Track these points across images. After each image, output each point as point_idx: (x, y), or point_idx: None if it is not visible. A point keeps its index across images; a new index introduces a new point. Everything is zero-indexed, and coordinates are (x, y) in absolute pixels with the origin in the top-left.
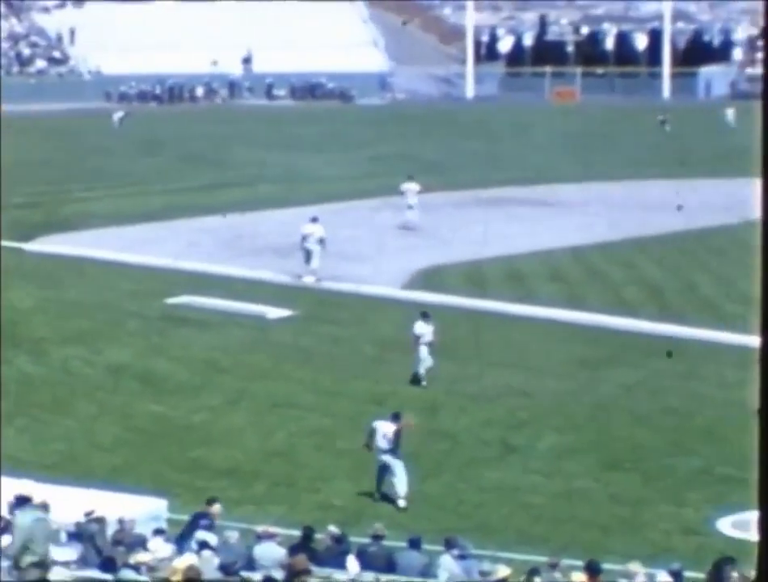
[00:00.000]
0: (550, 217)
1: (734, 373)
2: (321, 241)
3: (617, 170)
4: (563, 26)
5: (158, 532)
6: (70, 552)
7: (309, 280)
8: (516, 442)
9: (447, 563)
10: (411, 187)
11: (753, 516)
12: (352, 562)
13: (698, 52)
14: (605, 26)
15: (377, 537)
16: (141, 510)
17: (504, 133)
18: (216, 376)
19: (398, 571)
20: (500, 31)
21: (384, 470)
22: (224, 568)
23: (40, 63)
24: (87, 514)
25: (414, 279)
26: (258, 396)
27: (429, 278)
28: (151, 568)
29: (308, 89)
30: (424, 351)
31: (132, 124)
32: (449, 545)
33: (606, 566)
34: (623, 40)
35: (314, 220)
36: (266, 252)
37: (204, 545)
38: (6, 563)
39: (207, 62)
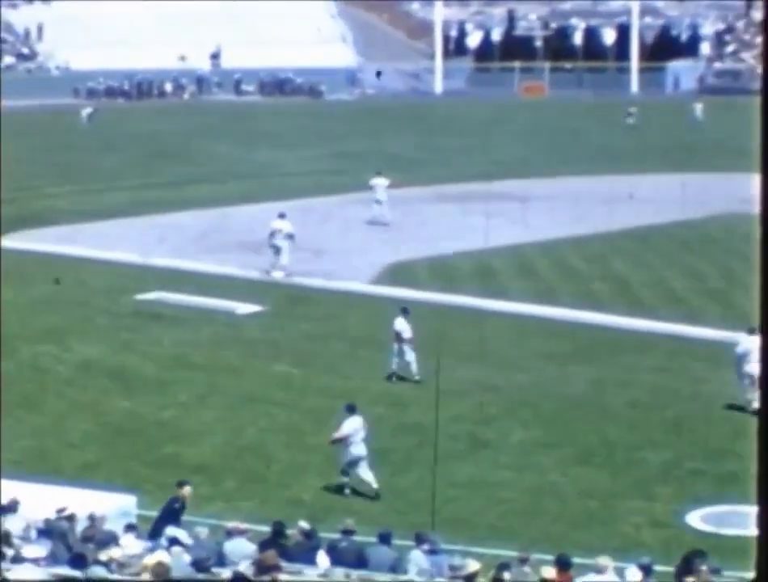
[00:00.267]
0: (519, 212)
1: (703, 367)
2: (289, 236)
3: (585, 164)
4: (532, 21)
5: (130, 528)
6: (40, 549)
7: (278, 275)
8: (485, 437)
9: (417, 558)
10: (380, 182)
11: (722, 509)
12: (322, 557)
13: (666, 47)
14: (574, 21)
15: (347, 533)
16: (110, 506)
17: (473, 128)
18: (186, 372)
19: (368, 567)
20: (469, 27)
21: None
22: (195, 564)
23: (8, 59)
24: (59, 511)
25: (383, 274)
26: (228, 392)
27: (398, 273)
28: (121, 564)
29: (277, 84)
30: (404, 347)
31: (100, 120)
32: (419, 540)
33: (576, 560)
34: (591, 35)
35: (282, 216)
36: (235, 248)
37: (174, 541)
38: None
39: (175, 58)
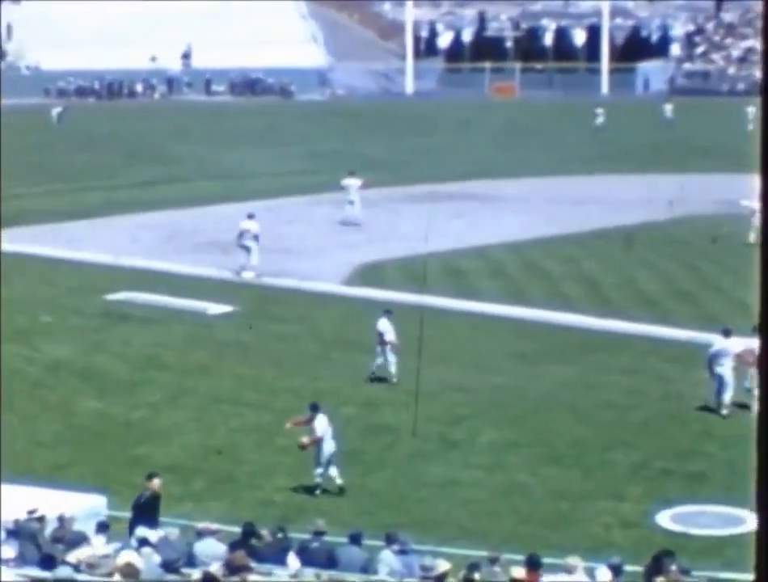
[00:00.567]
0: (489, 213)
1: (672, 368)
2: (256, 237)
3: (556, 165)
4: (503, 22)
5: (102, 528)
6: (8, 550)
7: (249, 276)
8: (456, 437)
9: (387, 559)
10: (353, 182)
11: (691, 509)
12: (292, 558)
13: (637, 48)
14: (544, 22)
15: (318, 533)
16: (80, 507)
17: (444, 129)
18: (156, 372)
19: (338, 567)
20: (440, 27)
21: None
22: (164, 565)
23: None
24: (30, 512)
25: (354, 274)
26: (198, 392)
27: (370, 274)
28: (91, 565)
29: (247, 84)
30: (387, 348)
31: (70, 120)
32: (390, 540)
33: (546, 560)
34: (562, 35)
35: (251, 216)
36: (206, 248)
37: (144, 542)
38: None
39: (146, 58)
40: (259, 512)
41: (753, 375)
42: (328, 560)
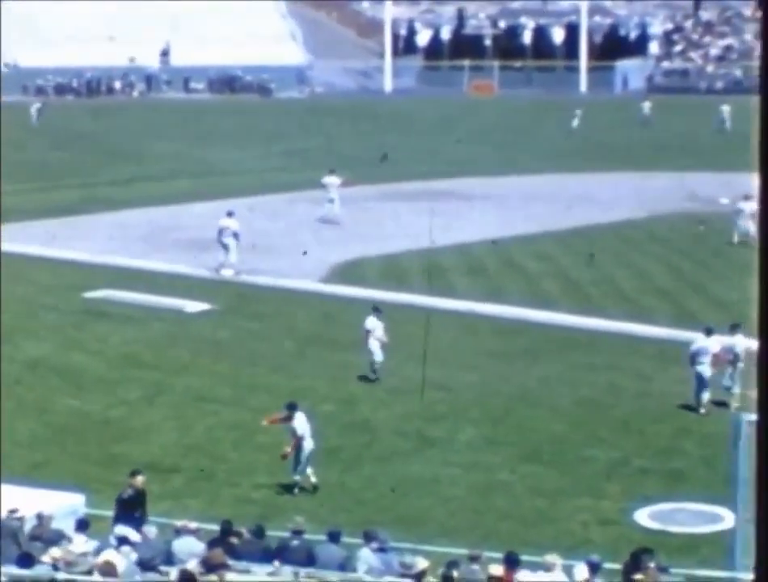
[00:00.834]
0: (468, 211)
1: (651, 366)
2: (234, 235)
3: (534, 163)
4: (481, 19)
5: (81, 526)
6: None
7: (227, 273)
8: (434, 435)
9: (366, 556)
10: (333, 180)
11: (669, 507)
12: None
13: (615, 46)
14: (523, 20)
15: (296, 532)
16: (59, 505)
17: (423, 127)
18: (134, 370)
19: (317, 565)
20: (418, 25)
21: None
22: (141, 564)
23: None
24: (11, 512)
25: (333, 272)
26: (176, 390)
27: (348, 271)
28: (69, 563)
29: (226, 82)
30: (375, 345)
31: (49, 118)
32: (368, 538)
33: (525, 558)
34: (541, 33)
35: (230, 214)
36: (184, 246)
37: (123, 540)
38: None
39: (125, 55)
40: (238, 510)
41: (731, 373)
42: (306, 558)
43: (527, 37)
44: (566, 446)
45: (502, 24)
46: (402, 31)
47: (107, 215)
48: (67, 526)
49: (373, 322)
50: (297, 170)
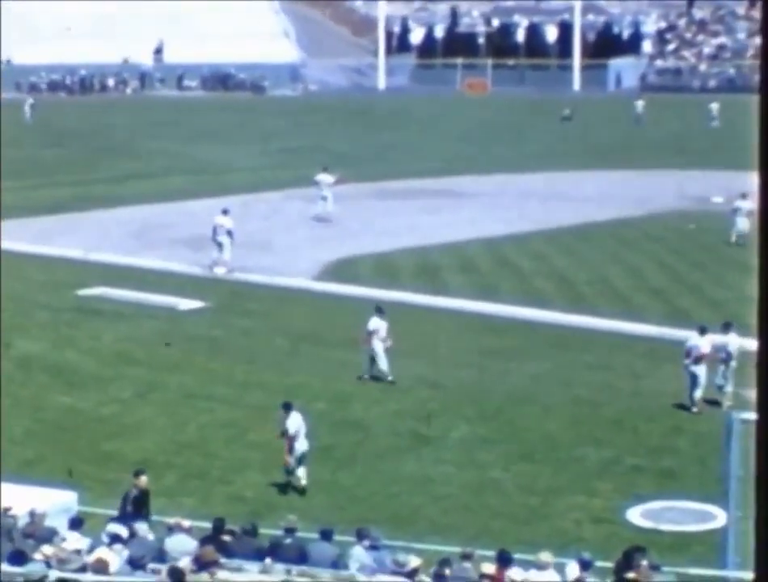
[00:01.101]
0: (461, 209)
1: (643, 364)
2: (229, 233)
3: (527, 161)
4: (475, 18)
5: (75, 524)
6: None
7: (220, 271)
8: (427, 433)
9: (358, 554)
10: (326, 178)
11: (661, 505)
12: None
13: (608, 44)
14: (516, 18)
15: (289, 530)
16: (51, 503)
17: (416, 125)
18: (127, 367)
19: (309, 563)
20: (412, 23)
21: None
22: (131, 562)
23: None
24: (6, 510)
25: (326, 270)
26: (169, 388)
27: (341, 269)
28: (62, 561)
29: (219, 80)
30: (378, 346)
31: (43, 115)
32: (361, 536)
33: (517, 556)
34: (534, 32)
35: (225, 212)
36: (177, 243)
37: (116, 538)
38: None
39: (118, 53)
40: (231, 508)
41: (723, 372)
42: (299, 556)
43: (520, 35)
44: (558, 444)
45: (495, 22)
46: (396, 29)
47: (101, 212)
48: (60, 524)
49: (376, 323)
50: (291, 168)
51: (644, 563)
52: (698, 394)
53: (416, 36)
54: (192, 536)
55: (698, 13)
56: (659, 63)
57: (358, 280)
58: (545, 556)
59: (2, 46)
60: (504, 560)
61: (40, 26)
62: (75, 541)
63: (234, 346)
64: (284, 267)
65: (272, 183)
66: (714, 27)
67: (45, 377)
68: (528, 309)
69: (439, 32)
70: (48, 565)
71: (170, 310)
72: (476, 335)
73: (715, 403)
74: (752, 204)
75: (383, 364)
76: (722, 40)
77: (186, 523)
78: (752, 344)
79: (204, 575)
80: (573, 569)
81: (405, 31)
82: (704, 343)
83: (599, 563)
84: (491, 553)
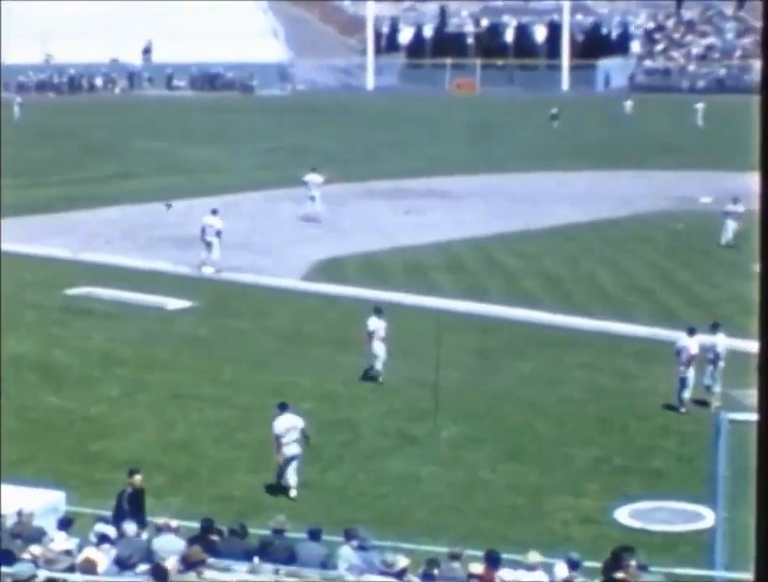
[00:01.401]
0: (449, 208)
1: (631, 364)
2: (218, 233)
3: (516, 161)
4: (464, 18)
5: (64, 524)
6: None
7: (208, 271)
8: (416, 433)
9: (347, 554)
10: (314, 178)
11: (649, 505)
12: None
13: (597, 45)
14: (505, 18)
15: (277, 532)
16: (39, 503)
17: (405, 125)
18: (115, 367)
19: (297, 563)
20: (401, 23)
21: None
22: (120, 562)
23: None
24: None
25: (314, 270)
26: (157, 388)
27: (329, 269)
28: (49, 561)
29: (208, 79)
30: (378, 346)
31: (31, 115)
32: (349, 536)
33: (505, 556)
34: (523, 32)
35: (214, 212)
36: (166, 243)
37: (103, 538)
38: None
39: (106, 53)
40: (219, 508)
41: (711, 372)
42: (287, 556)
43: (509, 35)
44: (547, 444)
45: (484, 22)
46: (385, 29)
47: (90, 212)
48: (48, 524)
49: (375, 323)
50: (279, 168)
51: (633, 562)
52: (687, 394)
53: (405, 36)
54: (180, 536)
55: (687, 13)
56: (647, 63)
57: (346, 280)
58: (533, 556)
59: (1, 46)
60: (492, 560)
61: (29, 26)
62: (62, 541)
63: (223, 346)
64: (272, 267)
65: (261, 182)
66: (702, 28)
67: (33, 376)
68: (516, 309)
69: (428, 32)
70: (36, 565)
71: (158, 310)
72: (464, 335)
73: (703, 404)
74: (742, 208)
75: (379, 364)
76: (710, 40)
77: (174, 523)
78: (740, 344)
79: (192, 575)
80: (561, 569)
81: (394, 30)
82: (693, 344)
83: (587, 563)
84: (480, 553)
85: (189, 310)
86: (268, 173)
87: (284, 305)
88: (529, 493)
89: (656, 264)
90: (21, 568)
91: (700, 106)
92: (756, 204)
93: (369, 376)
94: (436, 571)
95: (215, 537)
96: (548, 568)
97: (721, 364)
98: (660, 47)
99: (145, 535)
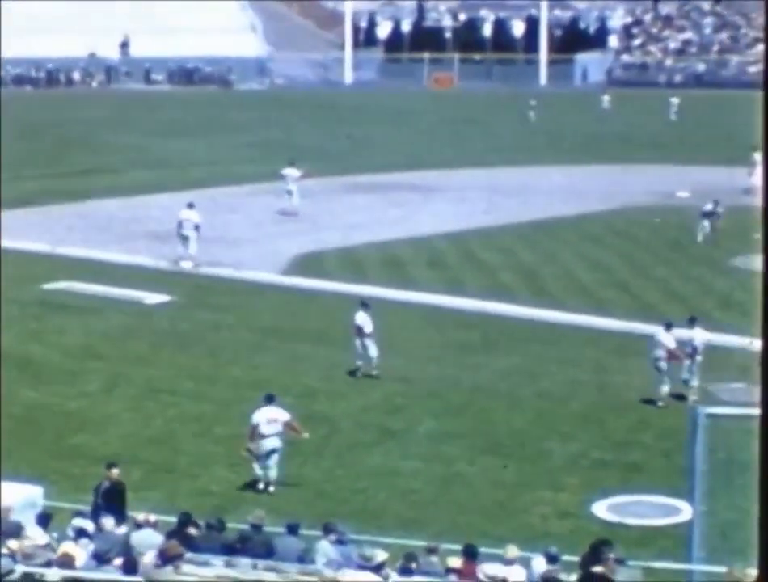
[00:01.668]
0: (427, 203)
1: (609, 358)
2: (196, 227)
3: (493, 155)
4: (442, 12)
5: (43, 520)
6: None
7: (187, 265)
8: (394, 427)
9: (325, 548)
10: (292, 172)
11: (627, 499)
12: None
13: (575, 39)
14: (483, 12)
15: (255, 527)
16: (17, 497)
17: (383, 119)
18: (93, 362)
19: (276, 557)
20: (379, 17)
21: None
22: (97, 557)
23: None
24: None
25: (293, 264)
26: (136, 382)
27: (308, 263)
28: (27, 555)
29: (186, 74)
30: (366, 341)
31: (8, 109)
32: (327, 530)
33: (483, 550)
34: (501, 26)
35: (191, 206)
36: (144, 237)
37: (81, 532)
38: None
39: (84, 47)
40: (197, 502)
41: (689, 367)
42: (265, 550)
43: (487, 30)
44: (525, 439)
45: (462, 17)
46: (363, 24)
47: (67, 206)
48: (26, 518)
49: (362, 318)
50: (257, 162)
51: (612, 555)
52: (665, 388)
53: (383, 31)
54: (159, 530)
55: (664, 8)
56: (625, 58)
57: (325, 275)
58: (511, 550)
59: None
60: (470, 554)
61: (5, 19)
62: (40, 535)
63: (201, 340)
64: (251, 261)
65: (239, 177)
66: (680, 23)
67: (11, 371)
68: (495, 303)
69: (406, 27)
70: (14, 560)
71: (136, 304)
72: (443, 330)
73: (680, 398)
74: (722, 209)
75: (366, 359)
76: (688, 35)
77: (152, 517)
78: (717, 339)
79: (169, 570)
80: (539, 563)
81: (372, 25)
82: (670, 339)
83: (565, 557)
84: (458, 547)
85: (168, 305)
86: (247, 167)
87: (263, 300)
88: (507, 487)
89: (634, 259)
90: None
91: (675, 100)
92: (733, 200)
93: (355, 371)
94: (414, 565)
95: (193, 531)
96: (526, 562)
97: (699, 358)
98: (637, 42)
99: (123, 529)
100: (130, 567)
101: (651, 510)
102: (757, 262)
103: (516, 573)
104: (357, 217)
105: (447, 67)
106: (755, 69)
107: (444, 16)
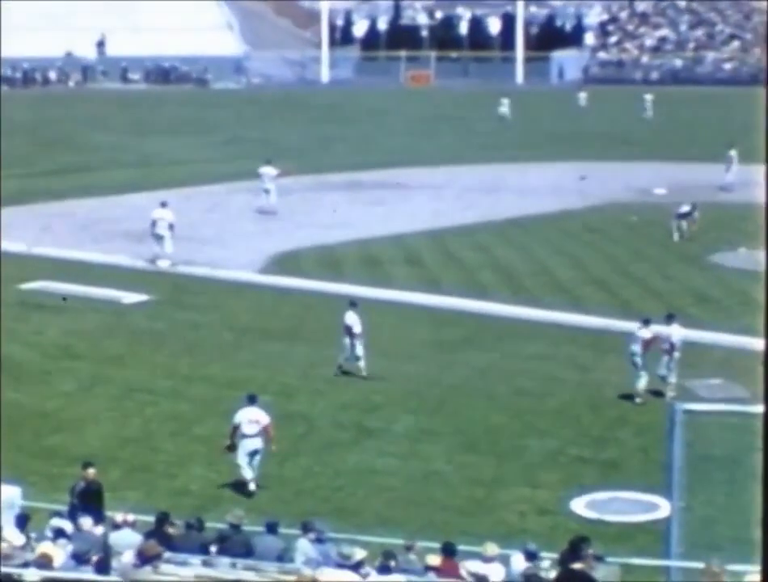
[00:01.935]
0: (405, 201)
1: (586, 355)
2: (171, 226)
3: (471, 153)
4: (418, 10)
5: (21, 521)
6: None
7: (163, 264)
8: (372, 425)
9: (304, 547)
10: (269, 170)
11: (605, 496)
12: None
13: (551, 37)
14: (459, 10)
15: (234, 527)
16: None
17: (359, 117)
18: (71, 361)
19: (255, 556)
20: (355, 16)
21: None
22: (76, 557)
23: None
24: None
25: (270, 263)
26: (113, 382)
27: (285, 262)
28: (5, 556)
29: (162, 73)
30: (355, 341)
31: None
32: (306, 528)
33: (462, 547)
34: (477, 24)
35: (164, 204)
36: (121, 237)
37: (59, 532)
38: None
39: (60, 46)
40: (176, 501)
41: (667, 363)
42: (244, 549)
43: (463, 28)
44: (503, 436)
45: (438, 15)
46: (339, 22)
47: (44, 206)
48: (5, 519)
49: (352, 318)
50: (235, 161)
51: (591, 551)
52: (642, 384)
53: (360, 29)
54: (137, 530)
55: (640, 5)
56: (601, 55)
57: (302, 273)
58: (490, 548)
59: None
60: (449, 552)
61: None
62: (17, 536)
63: (179, 339)
64: (228, 260)
65: (216, 175)
66: (656, 20)
67: None
68: (472, 301)
69: (382, 25)
70: None
71: (113, 304)
72: (420, 328)
73: (658, 394)
74: (698, 214)
75: (353, 359)
76: (664, 32)
77: (130, 517)
78: (695, 335)
79: (148, 569)
80: (518, 560)
81: (348, 23)
82: (647, 336)
83: (544, 554)
84: (436, 545)
85: (145, 304)
86: (224, 166)
87: (241, 299)
88: (485, 485)
89: (611, 256)
90: None
91: (649, 97)
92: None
93: (344, 370)
94: (392, 563)
95: (171, 531)
96: (505, 560)
97: (676, 354)
98: (613, 39)
99: (101, 529)
100: (103, 567)
101: (630, 506)
102: (733, 258)
103: (496, 571)
104: (335, 216)
105: (424, 65)
106: (730, 65)
107: (420, 14)
